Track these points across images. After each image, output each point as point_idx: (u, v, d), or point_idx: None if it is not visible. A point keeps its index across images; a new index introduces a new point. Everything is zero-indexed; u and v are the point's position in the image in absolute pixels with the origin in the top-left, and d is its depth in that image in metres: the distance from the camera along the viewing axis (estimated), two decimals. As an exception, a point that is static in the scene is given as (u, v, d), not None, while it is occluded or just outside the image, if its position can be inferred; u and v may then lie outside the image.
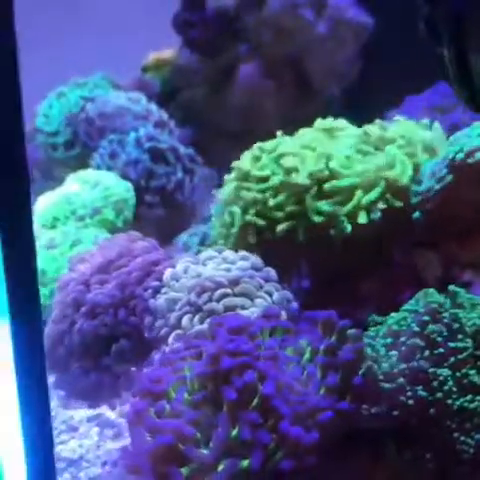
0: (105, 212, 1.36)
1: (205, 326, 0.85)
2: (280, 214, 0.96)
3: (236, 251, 0.96)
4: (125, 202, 1.40)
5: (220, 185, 1.71)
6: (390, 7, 1.30)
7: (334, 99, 1.48)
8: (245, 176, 1.03)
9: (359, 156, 0.98)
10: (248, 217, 0.98)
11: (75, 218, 1.33)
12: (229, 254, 0.95)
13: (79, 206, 1.34)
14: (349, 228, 0.93)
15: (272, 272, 0.92)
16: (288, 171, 1.00)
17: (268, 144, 1.07)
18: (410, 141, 0.97)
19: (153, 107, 1.57)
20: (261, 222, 0.97)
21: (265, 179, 1.01)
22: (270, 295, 0.89)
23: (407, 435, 0.80)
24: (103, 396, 0.96)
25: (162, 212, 1.44)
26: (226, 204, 1.03)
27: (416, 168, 0.96)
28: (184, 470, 0.77)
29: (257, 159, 1.05)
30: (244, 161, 1.07)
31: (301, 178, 0.97)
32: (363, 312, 0.95)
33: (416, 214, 0.91)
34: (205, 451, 0.77)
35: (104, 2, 1.87)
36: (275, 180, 0.99)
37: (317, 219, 0.94)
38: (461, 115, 1.04)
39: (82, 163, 1.54)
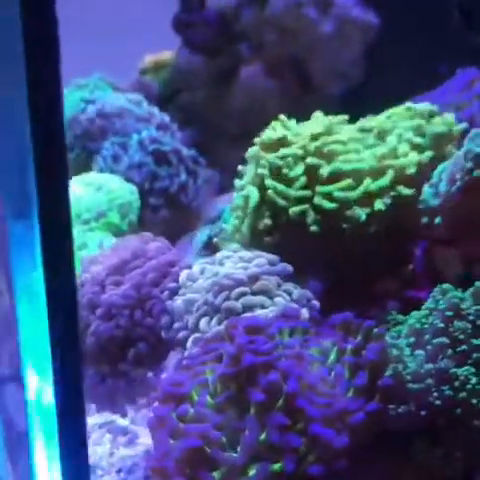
0: (110, 215, 1.33)
1: (222, 328, 0.83)
2: (292, 192, 0.93)
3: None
4: (130, 205, 1.37)
5: (222, 187, 1.69)
6: (394, 6, 1.29)
7: (336, 99, 1.47)
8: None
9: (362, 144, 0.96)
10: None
11: (80, 222, 1.31)
12: (245, 253, 0.93)
13: (84, 209, 1.32)
14: (364, 216, 0.91)
15: (289, 267, 0.90)
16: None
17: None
18: (423, 131, 0.96)
19: (155, 109, 1.55)
20: (278, 198, 0.94)
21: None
22: (289, 294, 0.88)
23: (435, 435, 0.79)
24: (117, 402, 0.94)
25: (167, 214, 1.42)
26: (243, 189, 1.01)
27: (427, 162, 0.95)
28: (216, 474, 0.75)
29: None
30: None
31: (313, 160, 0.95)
32: (380, 311, 0.94)
33: (438, 219, 0.90)
34: (233, 455, 0.76)
35: (101, 3, 1.85)
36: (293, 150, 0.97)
37: (328, 205, 0.92)
38: (477, 112, 1.03)
39: (81, 166, 1.52)
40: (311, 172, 0.95)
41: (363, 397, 0.77)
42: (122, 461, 1.06)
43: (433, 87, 1.31)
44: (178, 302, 0.89)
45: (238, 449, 0.76)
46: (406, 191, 0.92)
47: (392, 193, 0.91)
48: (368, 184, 0.91)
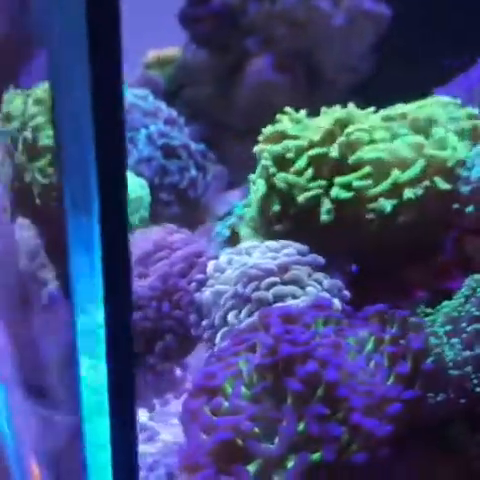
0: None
1: (255, 319, 0.82)
2: (302, 180, 0.92)
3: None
4: (141, 200, 1.35)
5: (230, 182, 1.67)
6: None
7: (346, 93, 1.46)
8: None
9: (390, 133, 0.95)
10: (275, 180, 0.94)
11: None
12: (272, 243, 0.91)
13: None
14: (389, 208, 0.89)
15: (319, 258, 0.89)
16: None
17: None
18: (454, 121, 0.95)
19: (162, 104, 1.53)
20: (284, 185, 0.93)
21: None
22: (320, 283, 0.86)
23: (473, 423, 0.79)
24: (144, 396, 0.93)
25: (177, 210, 1.41)
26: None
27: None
28: (251, 467, 0.74)
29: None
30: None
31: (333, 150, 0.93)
32: (408, 302, 0.93)
33: (470, 208, 0.88)
34: (270, 446, 0.74)
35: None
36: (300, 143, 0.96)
37: (344, 195, 0.91)
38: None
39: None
40: (323, 161, 0.94)
41: (404, 385, 0.76)
42: (142, 458, 1.04)
43: (443, 79, 1.31)
44: (207, 294, 0.88)
45: (275, 441, 0.75)
46: (444, 185, 0.90)
47: (426, 183, 0.89)
48: (397, 176, 0.89)
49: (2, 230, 0.90)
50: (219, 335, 0.84)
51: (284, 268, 0.87)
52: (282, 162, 0.95)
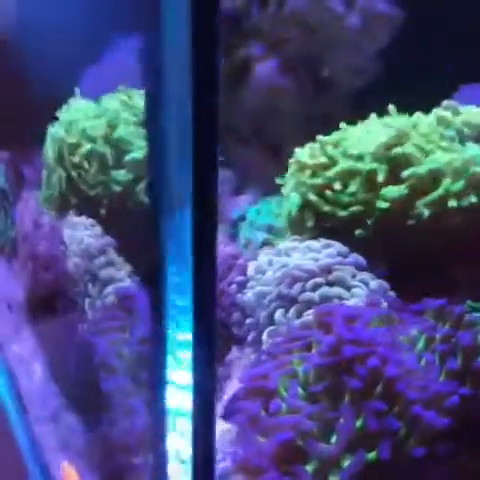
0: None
1: (308, 318, 0.82)
2: (346, 199, 0.93)
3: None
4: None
5: (237, 187, 1.67)
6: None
7: (353, 96, 1.46)
8: (303, 167, 1.01)
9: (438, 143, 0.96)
10: (310, 196, 0.94)
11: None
12: (312, 243, 0.91)
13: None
14: (426, 213, 0.91)
15: (361, 259, 0.89)
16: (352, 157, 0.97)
17: (327, 137, 1.05)
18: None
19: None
20: (324, 205, 0.94)
21: (327, 167, 0.99)
22: (365, 284, 0.86)
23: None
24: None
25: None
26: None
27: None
28: (308, 467, 0.73)
29: (316, 150, 1.03)
30: (302, 153, 1.04)
31: (368, 163, 0.94)
32: (454, 300, 0.93)
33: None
34: (328, 445, 0.74)
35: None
36: (341, 166, 0.97)
37: (383, 205, 0.92)
38: None
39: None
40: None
41: (457, 381, 0.76)
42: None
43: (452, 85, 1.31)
44: (248, 295, 0.87)
45: (331, 440, 0.75)
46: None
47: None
48: (447, 184, 0.91)
49: (47, 233, 0.89)
50: (266, 333, 0.84)
51: (326, 269, 0.87)
52: (318, 175, 0.96)
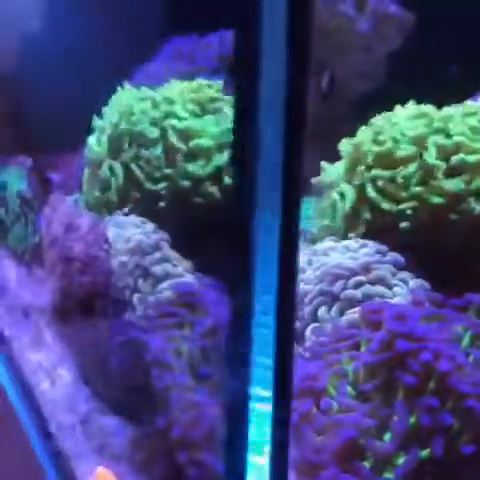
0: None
1: (354, 316, 0.82)
2: (404, 194, 0.93)
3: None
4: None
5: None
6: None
7: (360, 99, 1.47)
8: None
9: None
10: (369, 191, 0.94)
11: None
12: (349, 242, 0.92)
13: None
14: (478, 209, 0.92)
15: (400, 258, 0.90)
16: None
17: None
18: None
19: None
20: (382, 200, 0.94)
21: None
22: (405, 283, 0.87)
23: None
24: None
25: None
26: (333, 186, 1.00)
27: None
28: (366, 463, 0.74)
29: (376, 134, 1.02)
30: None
31: (430, 156, 0.94)
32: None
33: None
34: (383, 443, 0.75)
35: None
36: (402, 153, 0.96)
37: (436, 200, 0.92)
38: None
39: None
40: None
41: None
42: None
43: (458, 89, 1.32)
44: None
45: (384, 437, 0.75)
46: None
47: None
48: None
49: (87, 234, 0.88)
50: (309, 330, 0.85)
51: (366, 267, 0.87)
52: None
